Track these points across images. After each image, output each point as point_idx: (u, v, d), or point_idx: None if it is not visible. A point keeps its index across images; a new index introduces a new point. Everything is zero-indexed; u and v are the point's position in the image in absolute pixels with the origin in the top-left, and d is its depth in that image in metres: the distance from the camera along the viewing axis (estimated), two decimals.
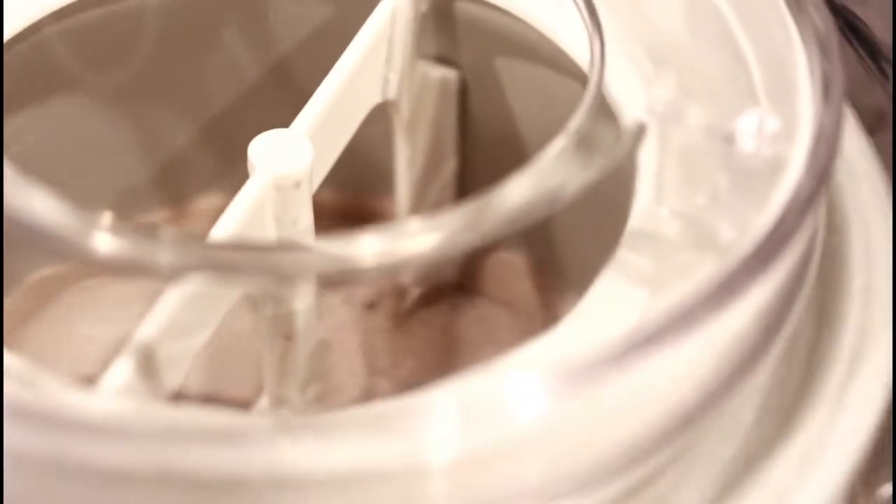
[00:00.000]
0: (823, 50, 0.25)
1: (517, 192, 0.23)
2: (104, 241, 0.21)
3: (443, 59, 0.32)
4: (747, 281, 0.21)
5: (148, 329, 0.23)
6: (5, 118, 0.30)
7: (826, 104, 0.24)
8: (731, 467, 0.23)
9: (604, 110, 0.25)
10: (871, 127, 0.28)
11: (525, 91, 0.32)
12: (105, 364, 0.23)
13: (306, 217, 0.27)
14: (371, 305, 0.33)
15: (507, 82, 0.32)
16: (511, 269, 0.33)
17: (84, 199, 0.23)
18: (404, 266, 0.22)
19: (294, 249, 0.24)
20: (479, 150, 0.33)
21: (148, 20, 0.32)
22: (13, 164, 0.23)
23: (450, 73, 0.32)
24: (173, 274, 0.22)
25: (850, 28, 0.29)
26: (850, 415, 0.24)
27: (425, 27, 0.31)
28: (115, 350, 0.23)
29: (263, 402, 0.29)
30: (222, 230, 0.25)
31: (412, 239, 0.22)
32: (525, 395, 0.20)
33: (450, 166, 0.34)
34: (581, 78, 0.28)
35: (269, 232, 0.27)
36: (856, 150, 0.28)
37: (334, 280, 0.26)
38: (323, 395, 0.29)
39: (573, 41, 0.29)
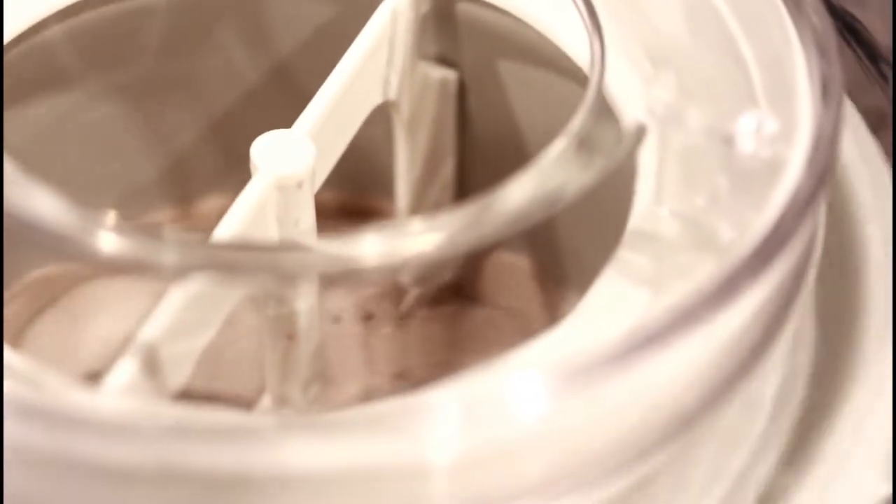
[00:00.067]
0: (822, 52, 0.25)
1: (518, 193, 0.23)
2: (108, 240, 0.21)
3: (443, 60, 0.32)
4: (747, 281, 0.21)
5: (152, 329, 0.23)
6: (9, 116, 0.30)
7: (825, 106, 0.24)
8: (735, 473, 0.24)
9: (604, 111, 0.25)
10: (870, 129, 0.28)
11: (525, 91, 0.32)
12: (109, 363, 0.23)
13: (308, 217, 0.27)
14: (369, 316, 0.33)
15: (507, 83, 0.32)
16: (511, 269, 0.33)
17: (87, 198, 0.23)
18: (405, 266, 0.22)
19: (296, 249, 0.24)
20: (479, 150, 0.33)
21: (152, 20, 0.32)
22: (17, 163, 0.23)
23: (450, 74, 0.32)
24: (176, 274, 0.22)
25: (849, 30, 0.29)
26: (856, 418, 0.24)
27: (426, 28, 0.31)
28: (119, 349, 0.23)
29: (265, 401, 0.29)
30: (225, 230, 0.25)
31: (413, 239, 0.22)
32: (526, 395, 0.20)
33: (449, 166, 0.34)
34: (580, 78, 0.28)
35: (271, 232, 0.27)
36: (858, 149, 0.28)
37: (336, 280, 0.26)
38: (324, 394, 0.29)
39: (573, 42, 0.29)
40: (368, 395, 0.31)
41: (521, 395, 0.20)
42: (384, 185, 0.34)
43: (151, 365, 0.23)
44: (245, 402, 0.30)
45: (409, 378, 0.32)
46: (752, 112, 0.24)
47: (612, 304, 0.23)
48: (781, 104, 0.24)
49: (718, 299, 0.21)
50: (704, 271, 0.22)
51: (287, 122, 0.28)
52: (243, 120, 0.33)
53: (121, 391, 0.22)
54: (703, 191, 0.24)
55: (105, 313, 0.32)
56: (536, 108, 0.32)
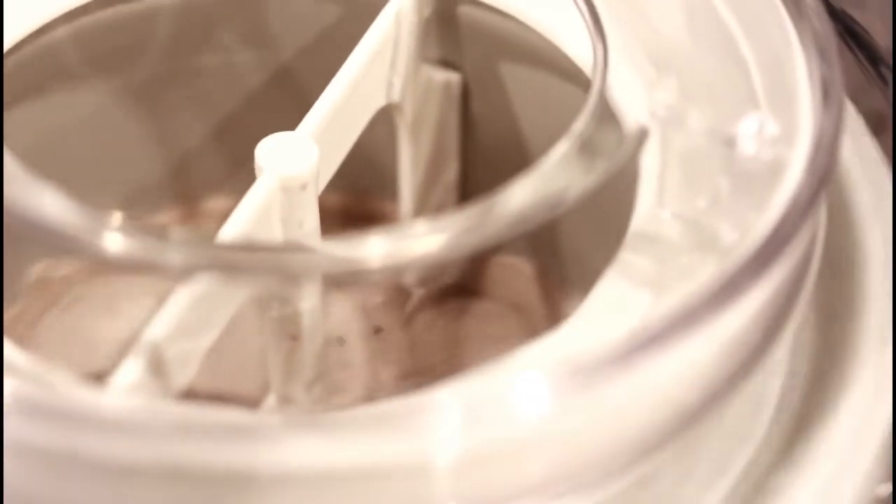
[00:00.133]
0: (822, 54, 0.25)
1: (521, 196, 0.23)
2: (115, 240, 0.21)
3: (446, 63, 0.32)
4: (748, 282, 0.21)
5: (157, 328, 0.23)
6: (16, 117, 0.30)
7: (825, 108, 0.24)
8: (737, 471, 0.24)
9: (606, 114, 0.25)
10: (870, 131, 0.28)
11: (527, 94, 0.32)
12: (113, 363, 0.23)
13: (312, 219, 0.27)
14: (373, 318, 0.33)
15: (510, 85, 0.32)
16: (514, 272, 0.33)
17: (92, 199, 0.23)
18: (409, 268, 0.22)
19: (300, 251, 0.24)
20: (482, 152, 0.33)
21: (157, 22, 0.32)
22: (24, 163, 0.23)
23: (453, 77, 0.32)
24: (182, 274, 0.22)
25: (850, 33, 0.29)
26: (855, 417, 0.24)
27: (429, 31, 0.31)
28: (122, 349, 0.23)
29: (270, 401, 0.29)
30: (230, 231, 0.25)
31: (417, 241, 0.22)
32: (528, 395, 0.20)
33: (452, 169, 0.34)
34: (582, 81, 0.28)
35: (275, 233, 0.27)
36: (859, 151, 0.28)
37: (340, 281, 0.26)
38: (328, 394, 0.29)
39: (575, 45, 0.29)
40: (372, 395, 0.31)
41: (524, 395, 0.20)
42: (387, 187, 0.34)
43: (157, 364, 0.23)
44: (249, 402, 0.30)
45: (413, 378, 0.32)
46: (754, 114, 0.24)
47: (614, 305, 0.23)
48: (782, 107, 0.25)
49: (720, 300, 0.21)
50: (706, 272, 0.22)
51: (290, 123, 0.28)
52: (247, 121, 0.33)
53: (127, 390, 0.22)
54: (705, 193, 0.24)
55: (109, 314, 0.32)
56: (538, 110, 0.32)
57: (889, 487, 0.23)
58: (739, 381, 0.22)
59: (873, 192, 0.27)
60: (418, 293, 0.33)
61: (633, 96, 0.26)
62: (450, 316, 0.33)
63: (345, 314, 0.33)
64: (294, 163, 0.27)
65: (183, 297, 0.23)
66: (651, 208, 0.25)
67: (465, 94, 0.32)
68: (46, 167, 0.23)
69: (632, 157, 0.24)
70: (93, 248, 0.22)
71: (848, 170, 0.28)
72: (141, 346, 0.23)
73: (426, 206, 0.34)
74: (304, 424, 0.19)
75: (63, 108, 0.32)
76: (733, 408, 0.23)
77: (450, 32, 0.32)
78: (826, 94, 0.24)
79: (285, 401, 0.28)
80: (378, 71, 0.30)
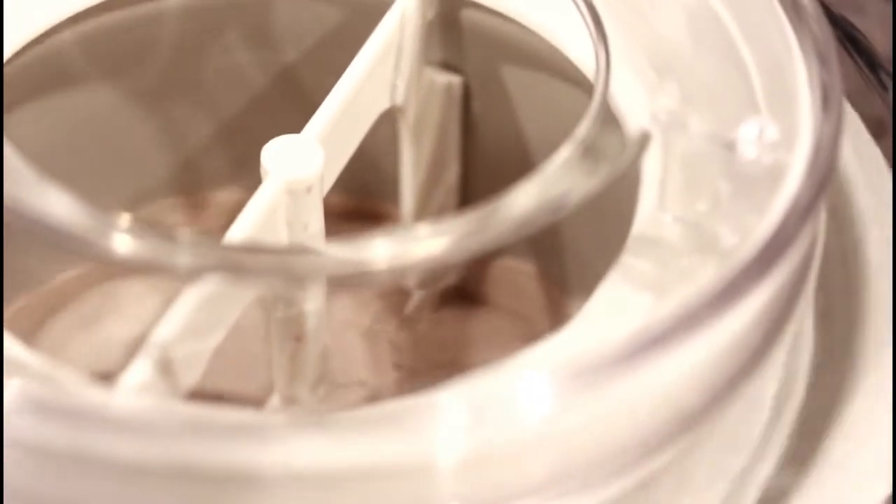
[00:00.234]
0: (822, 60, 0.25)
1: (524, 199, 0.23)
2: (123, 242, 0.22)
3: (448, 66, 0.32)
4: (748, 285, 0.21)
5: (165, 329, 0.23)
6: (22, 120, 0.30)
7: (825, 113, 0.24)
8: (737, 474, 0.24)
9: (609, 119, 0.25)
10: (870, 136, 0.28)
11: (528, 97, 0.32)
12: (119, 364, 0.23)
13: (317, 221, 0.27)
14: (376, 318, 0.33)
15: (511, 88, 0.32)
16: (517, 274, 0.34)
17: (97, 200, 0.23)
18: (413, 270, 0.22)
19: (305, 253, 0.24)
20: (483, 154, 0.33)
21: (162, 25, 0.32)
22: (32, 165, 0.23)
23: (455, 79, 0.32)
24: (190, 275, 0.22)
25: (849, 39, 0.29)
26: (855, 421, 0.24)
27: (431, 33, 0.31)
28: (129, 350, 0.23)
29: (274, 401, 0.29)
30: (236, 233, 0.25)
31: (421, 243, 0.22)
32: (531, 396, 0.20)
33: (454, 171, 0.34)
34: (584, 84, 0.28)
35: (281, 236, 0.27)
36: (860, 155, 0.28)
37: (344, 283, 0.26)
38: (332, 395, 0.30)
39: (577, 49, 0.29)
40: (375, 396, 0.31)
41: (527, 396, 0.20)
42: (389, 189, 0.34)
43: (165, 365, 0.23)
44: (253, 402, 0.30)
45: (415, 379, 0.32)
46: (754, 119, 0.24)
47: (616, 307, 0.23)
48: (782, 111, 0.25)
49: (721, 303, 0.21)
50: (707, 275, 0.22)
51: (294, 125, 0.28)
52: (252, 124, 0.33)
53: (136, 390, 0.22)
54: (706, 196, 0.24)
55: (115, 315, 0.32)
56: (539, 113, 0.32)
57: (889, 489, 0.23)
58: (740, 382, 0.22)
59: (873, 196, 0.27)
60: (421, 295, 0.34)
61: (634, 101, 0.26)
62: (452, 318, 0.33)
63: (348, 315, 0.33)
64: (300, 166, 0.27)
65: (190, 298, 0.23)
66: (652, 211, 0.25)
67: (467, 97, 0.32)
68: (53, 169, 0.23)
69: (634, 161, 0.24)
70: (101, 249, 0.22)
71: (848, 173, 0.28)
72: (149, 346, 0.23)
73: (427, 208, 0.34)
74: (310, 424, 0.19)
75: (68, 111, 0.32)
76: (733, 410, 0.23)
77: (452, 35, 0.32)
78: (826, 99, 0.24)
79: (289, 401, 0.28)
80: (382, 74, 0.30)
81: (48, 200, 0.22)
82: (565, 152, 0.24)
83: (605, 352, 0.20)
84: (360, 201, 0.35)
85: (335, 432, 0.19)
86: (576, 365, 0.20)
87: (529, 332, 0.32)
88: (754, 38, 0.26)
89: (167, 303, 0.23)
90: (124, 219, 0.22)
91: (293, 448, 0.19)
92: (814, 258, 0.24)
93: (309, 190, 0.27)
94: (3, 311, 0.31)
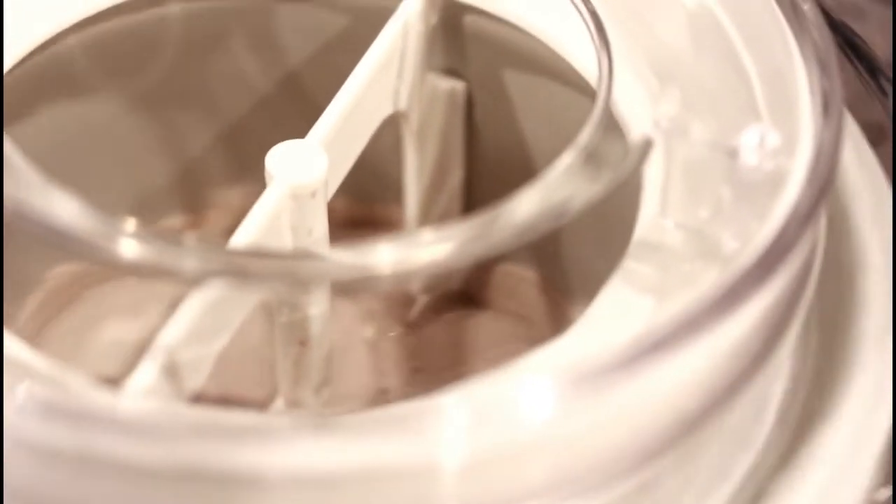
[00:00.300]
0: (823, 67, 0.25)
1: (526, 205, 0.23)
2: (129, 246, 0.22)
3: (451, 72, 0.32)
4: (749, 290, 0.21)
5: (171, 333, 0.23)
6: (27, 125, 0.30)
7: (826, 119, 0.24)
8: (738, 476, 0.24)
9: (611, 125, 0.25)
10: (870, 142, 0.28)
11: (530, 102, 0.32)
12: (122, 367, 0.23)
13: (321, 226, 0.27)
14: (380, 323, 0.33)
15: (513, 94, 0.32)
16: (519, 280, 0.34)
17: (103, 204, 0.23)
18: (416, 275, 0.22)
19: (310, 258, 0.24)
20: (485, 160, 0.33)
21: (166, 31, 0.32)
22: (38, 168, 0.23)
23: (458, 85, 0.32)
24: (195, 279, 0.22)
25: (850, 45, 0.29)
26: (856, 423, 0.24)
27: (434, 39, 0.31)
28: (132, 353, 0.23)
29: (278, 405, 0.29)
30: (241, 238, 0.25)
31: (424, 249, 0.22)
32: (533, 400, 0.20)
33: (457, 176, 0.34)
34: (586, 90, 0.28)
35: (285, 241, 0.27)
36: (859, 161, 0.28)
37: (348, 287, 0.26)
38: (336, 398, 0.30)
39: (579, 55, 0.29)
40: (379, 399, 0.31)
41: (529, 399, 0.20)
42: (393, 194, 0.34)
43: (171, 368, 0.23)
44: (258, 406, 0.30)
45: (419, 383, 0.32)
46: (755, 126, 0.24)
47: (618, 312, 0.23)
48: (783, 118, 0.25)
49: (722, 307, 0.21)
50: (708, 280, 0.23)
51: (298, 131, 0.28)
52: (256, 129, 0.33)
53: (142, 393, 0.22)
54: (707, 202, 0.24)
55: (121, 318, 0.32)
56: (541, 118, 0.32)
57: (889, 491, 0.23)
58: (741, 387, 0.22)
59: (873, 202, 0.27)
60: (424, 300, 0.34)
61: (636, 107, 0.27)
62: (455, 323, 0.33)
63: (352, 320, 0.33)
64: (304, 171, 0.27)
65: (196, 302, 0.24)
66: (654, 217, 0.25)
67: (470, 103, 0.33)
68: (58, 173, 0.24)
69: (636, 167, 0.24)
70: (107, 253, 0.22)
71: (848, 179, 0.28)
72: (155, 350, 0.23)
73: (431, 213, 0.34)
74: (314, 427, 0.19)
75: (72, 117, 0.32)
76: (735, 413, 0.23)
77: (455, 41, 0.32)
78: (826, 106, 0.24)
79: (293, 405, 0.28)
80: (386, 79, 0.30)
81: (55, 204, 0.22)
82: (568, 158, 0.24)
83: (607, 356, 0.20)
84: (363, 206, 0.35)
85: (339, 435, 0.19)
86: (578, 369, 0.20)
87: (532, 337, 0.32)
88: (755, 45, 0.26)
89: (167, 307, 0.23)
90: (130, 223, 0.22)
91: (297, 451, 0.19)
92: (814, 263, 0.24)
93: (313, 195, 0.27)
94: (3, 311, 0.31)
